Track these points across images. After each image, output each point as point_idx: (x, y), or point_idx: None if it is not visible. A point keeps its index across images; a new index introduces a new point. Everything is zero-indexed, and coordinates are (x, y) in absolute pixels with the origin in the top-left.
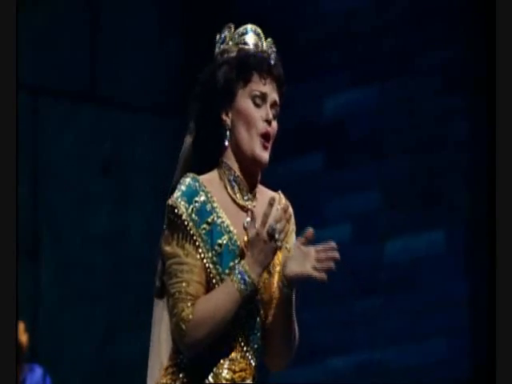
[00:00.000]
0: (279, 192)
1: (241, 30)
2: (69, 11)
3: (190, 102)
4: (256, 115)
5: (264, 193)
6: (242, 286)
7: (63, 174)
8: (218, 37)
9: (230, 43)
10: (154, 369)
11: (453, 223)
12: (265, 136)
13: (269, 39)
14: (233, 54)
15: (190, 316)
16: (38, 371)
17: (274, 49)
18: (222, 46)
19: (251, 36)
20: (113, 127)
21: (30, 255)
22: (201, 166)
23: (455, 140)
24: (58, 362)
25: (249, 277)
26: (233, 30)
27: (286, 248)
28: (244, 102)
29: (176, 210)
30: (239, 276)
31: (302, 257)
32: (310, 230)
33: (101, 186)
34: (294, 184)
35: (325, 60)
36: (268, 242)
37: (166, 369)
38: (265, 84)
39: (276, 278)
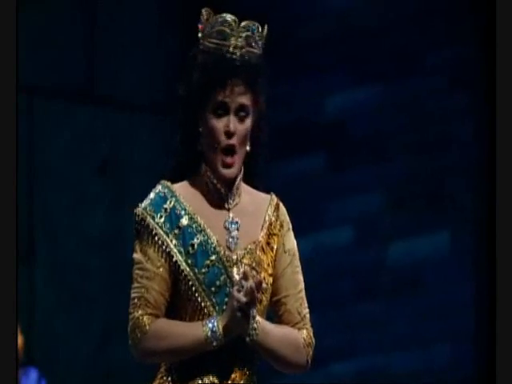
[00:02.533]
0: (271, 194)
1: (213, 21)
2: (65, 10)
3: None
4: (216, 128)
5: (253, 194)
6: (210, 335)
7: (59, 174)
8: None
9: (204, 34)
10: None
11: (457, 225)
12: (226, 151)
13: (243, 23)
14: (200, 58)
15: (147, 327)
16: (33, 374)
17: (252, 32)
18: (199, 35)
19: (220, 29)
20: (110, 126)
21: (25, 256)
22: (186, 168)
23: (460, 140)
24: (54, 364)
25: (219, 332)
26: (205, 17)
27: (285, 252)
28: (207, 114)
29: (142, 220)
30: (210, 325)
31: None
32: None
33: (98, 186)
34: (295, 185)
35: (326, 59)
36: (235, 301)
37: (157, 374)
38: (226, 91)
39: (265, 275)
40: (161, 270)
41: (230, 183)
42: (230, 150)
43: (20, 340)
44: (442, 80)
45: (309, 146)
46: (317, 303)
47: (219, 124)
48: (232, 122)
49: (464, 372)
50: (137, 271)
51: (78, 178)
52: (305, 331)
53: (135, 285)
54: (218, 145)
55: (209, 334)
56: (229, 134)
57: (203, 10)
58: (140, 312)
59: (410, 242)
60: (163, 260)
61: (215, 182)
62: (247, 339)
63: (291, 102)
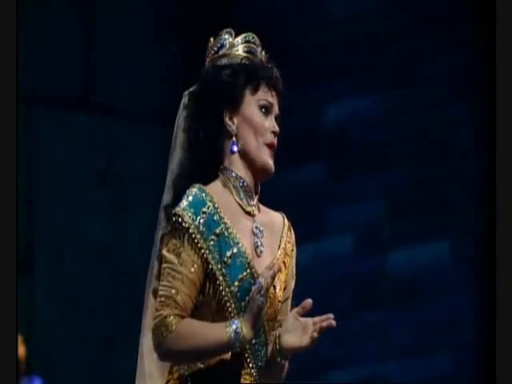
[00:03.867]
0: (282, 213)
1: (243, 37)
2: (63, 18)
3: (187, 102)
4: (264, 124)
5: (264, 209)
6: (233, 336)
7: (59, 184)
8: (212, 41)
9: (232, 49)
10: (141, 380)
11: (458, 234)
12: (271, 146)
13: (263, 53)
14: (236, 61)
15: (174, 327)
16: (38, 383)
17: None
18: (221, 51)
19: (253, 46)
20: (109, 135)
21: (24, 267)
22: (200, 171)
23: (461, 148)
24: (54, 375)
25: (242, 333)
26: (233, 35)
27: (292, 276)
28: (251, 109)
29: (182, 221)
30: (234, 326)
31: (299, 329)
32: (307, 301)
33: (97, 196)
34: (295, 195)
35: (326, 67)
36: (257, 297)
37: (167, 382)
38: (272, 93)
39: (280, 293)
40: (193, 275)
41: (253, 191)
42: (273, 148)
43: (22, 349)
44: (442, 89)
45: (309, 154)
46: (316, 312)
47: (267, 122)
48: (276, 125)
49: (464, 381)
50: (168, 270)
51: (78, 187)
52: None
53: (165, 283)
54: (264, 140)
55: (232, 335)
56: (275, 134)
57: (226, 30)
58: (168, 311)
59: (410, 252)
60: (196, 265)
61: (246, 185)
62: (279, 360)
63: (292, 111)
